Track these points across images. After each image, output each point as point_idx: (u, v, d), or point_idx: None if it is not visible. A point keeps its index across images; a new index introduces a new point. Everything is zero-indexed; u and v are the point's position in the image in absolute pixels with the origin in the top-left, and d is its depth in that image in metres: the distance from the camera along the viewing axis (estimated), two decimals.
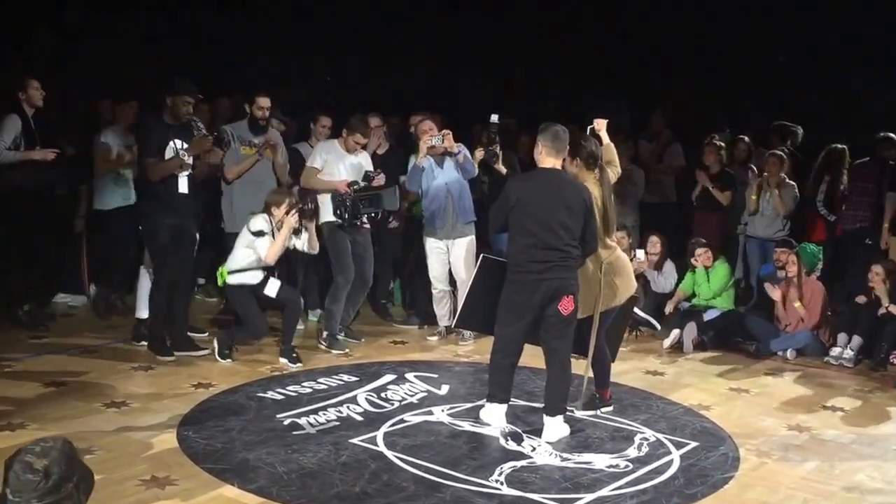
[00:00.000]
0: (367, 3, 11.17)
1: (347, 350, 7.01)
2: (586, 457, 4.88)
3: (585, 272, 5.27)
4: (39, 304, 7.53)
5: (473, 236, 7.35)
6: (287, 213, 6.47)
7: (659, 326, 7.88)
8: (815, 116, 9.43)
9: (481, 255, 5.90)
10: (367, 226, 7.12)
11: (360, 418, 5.43)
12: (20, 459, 2.30)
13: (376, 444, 4.96)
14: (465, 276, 6.99)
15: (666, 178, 9.54)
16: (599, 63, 10.66)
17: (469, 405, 5.70)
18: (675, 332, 7.53)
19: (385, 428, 5.24)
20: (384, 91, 10.05)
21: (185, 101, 6.46)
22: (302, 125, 8.31)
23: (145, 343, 6.74)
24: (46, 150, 7.05)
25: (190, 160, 6.50)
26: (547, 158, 5.17)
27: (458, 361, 6.92)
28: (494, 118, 7.33)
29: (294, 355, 6.57)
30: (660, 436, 5.29)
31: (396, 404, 5.73)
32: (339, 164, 7.02)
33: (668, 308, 8.01)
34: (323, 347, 7.03)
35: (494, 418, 5.29)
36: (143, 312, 6.88)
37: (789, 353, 7.36)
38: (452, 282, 7.45)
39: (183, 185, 6.49)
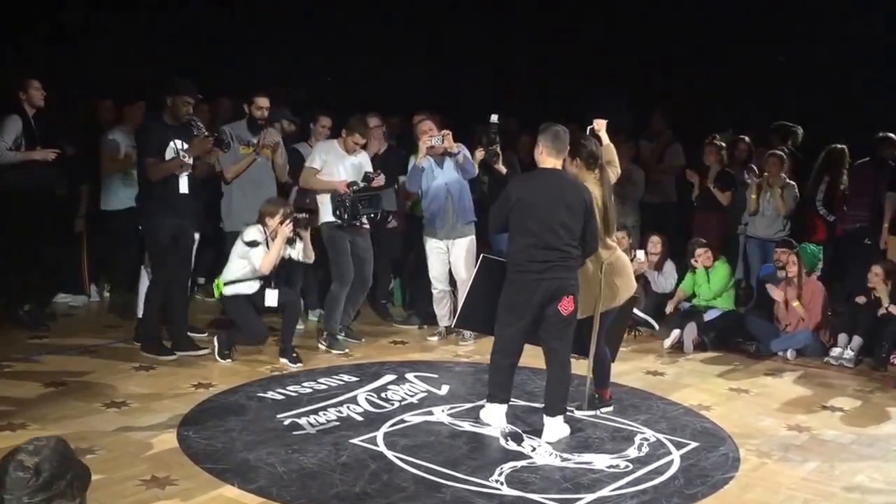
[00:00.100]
0: (367, 3, 11.16)
1: (347, 350, 7.01)
2: (586, 457, 4.88)
3: (586, 272, 5.27)
4: (40, 304, 7.53)
5: (473, 236, 7.35)
6: (281, 222, 6.47)
7: (657, 326, 7.88)
8: (815, 116, 9.44)
9: (481, 255, 5.91)
10: (367, 226, 7.12)
11: (360, 418, 5.42)
12: (13, 458, 2.30)
13: (376, 445, 4.96)
14: (466, 276, 6.99)
15: (666, 177, 9.55)
16: (599, 63, 10.66)
17: (469, 405, 5.70)
18: (676, 332, 7.53)
19: (385, 428, 5.24)
20: (384, 91, 10.05)
21: (185, 101, 6.46)
22: (302, 125, 8.31)
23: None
24: (47, 151, 7.06)
25: (190, 160, 6.49)
26: (547, 158, 5.17)
27: (459, 362, 6.92)
28: (494, 118, 7.33)
29: (294, 355, 6.57)
30: (660, 436, 5.29)
31: (396, 404, 5.72)
32: (339, 164, 7.02)
33: (669, 308, 8.02)
34: (323, 347, 7.03)
35: (494, 418, 5.29)
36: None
37: (789, 354, 7.36)
38: (452, 282, 7.45)
39: (184, 185, 6.48)
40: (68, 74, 8.57)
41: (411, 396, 5.91)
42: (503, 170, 7.56)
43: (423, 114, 7.67)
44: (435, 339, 7.51)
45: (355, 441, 4.99)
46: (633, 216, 9.04)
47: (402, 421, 5.40)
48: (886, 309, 7.19)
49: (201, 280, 8.34)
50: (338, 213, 6.89)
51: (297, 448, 4.85)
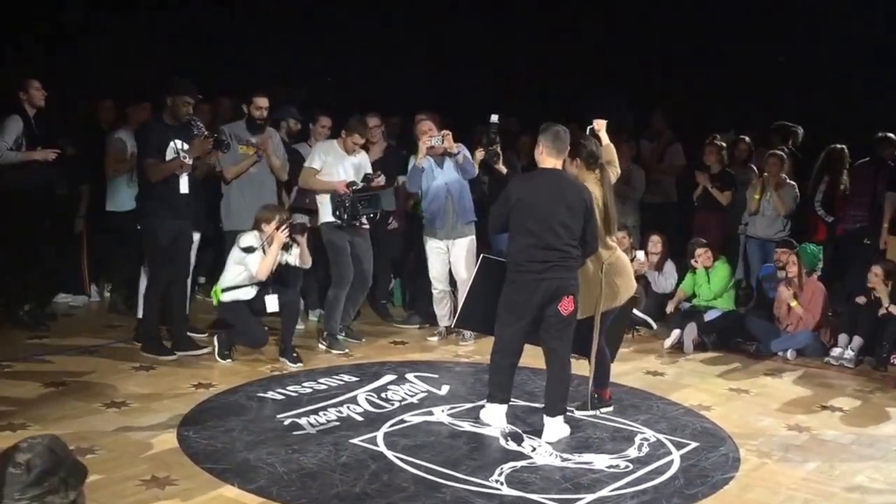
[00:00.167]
0: (367, 3, 11.17)
1: (347, 350, 7.01)
2: (586, 457, 4.88)
3: (586, 273, 5.27)
4: (40, 304, 7.53)
5: (474, 236, 7.35)
6: (277, 228, 6.47)
7: (655, 326, 7.88)
8: (815, 116, 9.44)
9: (481, 255, 5.91)
10: (367, 226, 7.12)
11: (360, 418, 5.42)
12: (7, 456, 2.31)
13: (376, 445, 4.96)
14: (466, 276, 6.99)
15: (667, 177, 9.55)
16: (599, 63, 10.67)
17: (469, 405, 5.70)
18: (676, 332, 7.53)
19: (385, 428, 5.24)
20: (384, 91, 10.05)
21: (185, 101, 6.46)
22: (302, 125, 8.31)
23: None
24: (47, 151, 7.05)
25: (190, 161, 6.49)
26: (548, 158, 5.17)
27: (459, 362, 6.92)
28: (494, 118, 7.33)
29: (294, 355, 6.57)
30: (660, 436, 5.29)
31: (396, 404, 5.72)
32: (339, 164, 7.01)
33: (669, 308, 8.01)
34: (323, 347, 7.03)
35: (495, 419, 5.29)
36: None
37: (790, 354, 7.36)
38: (453, 282, 7.45)
39: (184, 185, 6.48)
40: (68, 74, 8.57)
41: (411, 396, 5.91)
42: (503, 170, 7.56)
43: (423, 114, 7.66)
44: (435, 339, 7.51)
45: (355, 441, 4.99)
46: (634, 216, 9.04)
47: (403, 421, 5.39)
48: (886, 309, 7.19)
49: (202, 280, 8.35)
50: (337, 213, 6.88)
51: (297, 448, 4.85)
